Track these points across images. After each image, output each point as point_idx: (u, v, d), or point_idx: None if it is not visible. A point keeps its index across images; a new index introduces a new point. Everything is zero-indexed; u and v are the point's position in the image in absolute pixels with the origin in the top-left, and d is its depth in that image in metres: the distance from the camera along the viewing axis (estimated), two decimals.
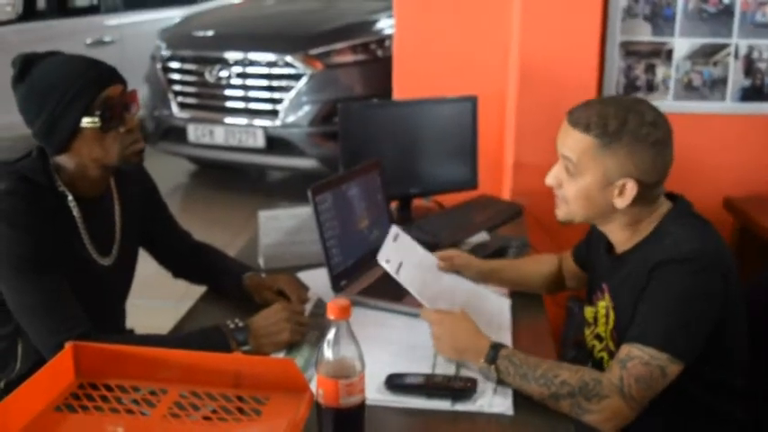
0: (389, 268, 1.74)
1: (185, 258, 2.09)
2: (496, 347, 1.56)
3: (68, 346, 1.33)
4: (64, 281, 1.63)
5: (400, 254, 1.77)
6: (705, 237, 1.60)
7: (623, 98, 1.65)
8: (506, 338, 1.76)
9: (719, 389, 1.64)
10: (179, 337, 1.69)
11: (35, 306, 1.61)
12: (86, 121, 1.64)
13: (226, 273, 2.04)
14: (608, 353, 1.71)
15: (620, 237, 1.68)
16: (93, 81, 1.64)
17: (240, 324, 1.70)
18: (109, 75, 1.68)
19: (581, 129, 1.59)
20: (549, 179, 1.69)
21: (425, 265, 1.78)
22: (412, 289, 1.75)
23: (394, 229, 1.76)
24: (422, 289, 1.75)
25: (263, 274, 2.02)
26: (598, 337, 1.75)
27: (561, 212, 1.70)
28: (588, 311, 1.80)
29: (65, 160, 1.70)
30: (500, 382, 1.55)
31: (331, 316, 1.25)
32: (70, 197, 1.71)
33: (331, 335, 1.25)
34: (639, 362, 1.47)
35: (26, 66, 1.66)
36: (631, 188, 1.58)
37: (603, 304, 1.72)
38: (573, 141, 1.61)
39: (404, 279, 1.75)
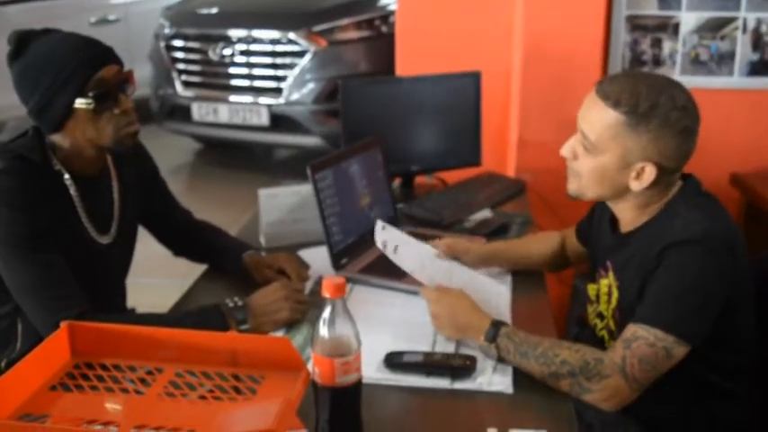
0: (387, 250, 1.73)
1: (186, 237, 2.09)
2: (497, 325, 1.55)
3: (64, 325, 1.33)
4: (61, 260, 1.63)
5: (394, 240, 1.75)
6: (715, 217, 1.56)
7: (657, 77, 1.57)
8: (506, 319, 1.75)
9: (727, 369, 1.62)
10: (177, 317, 1.68)
11: (32, 285, 1.60)
12: (80, 102, 1.62)
13: (226, 251, 2.03)
14: (608, 332, 1.69)
15: (629, 216, 1.65)
16: (87, 61, 1.62)
17: (239, 303, 1.69)
18: (104, 55, 1.66)
19: (610, 103, 1.52)
20: (565, 150, 1.64)
21: (421, 253, 1.76)
22: (409, 269, 1.73)
23: (380, 223, 1.74)
24: (420, 271, 1.73)
25: (263, 253, 2.01)
26: (600, 316, 1.73)
27: (572, 187, 1.65)
28: (591, 288, 1.78)
29: (60, 139, 1.69)
30: (500, 360, 1.54)
31: (326, 294, 1.24)
32: (66, 176, 1.70)
33: (326, 313, 1.24)
34: (644, 342, 1.45)
35: (22, 43, 1.64)
36: (650, 172, 1.54)
37: (606, 282, 1.70)
38: (597, 115, 1.55)
39: (401, 260, 1.74)
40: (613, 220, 1.72)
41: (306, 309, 1.77)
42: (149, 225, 2.03)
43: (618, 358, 1.46)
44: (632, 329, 1.48)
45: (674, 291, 1.49)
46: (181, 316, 1.69)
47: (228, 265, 2.01)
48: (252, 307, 1.69)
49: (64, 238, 1.67)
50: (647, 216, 1.62)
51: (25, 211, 1.59)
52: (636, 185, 1.56)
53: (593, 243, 1.83)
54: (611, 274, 1.68)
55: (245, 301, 1.70)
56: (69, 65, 1.61)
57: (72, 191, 1.70)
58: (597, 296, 1.74)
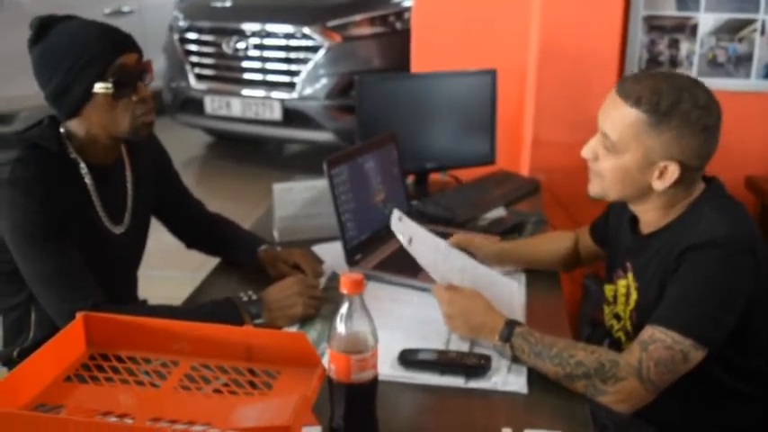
0: (403, 240, 1.72)
1: (199, 229, 2.08)
2: (511, 325, 1.54)
3: (80, 316, 1.33)
4: (76, 250, 1.63)
5: (409, 233, 1.74)
6: (738, 220, 1.55)
7: (678, 75, 1.57)
8: (519, 317, 1.74)
9: (744, 372, 1.61)
10: (191, 309, 1.68)
11: (48, 274, 1.61)
12: (99, 87, 1.62)
13: (240, 244, 2.03)
14: (625, 333, 1.68)
15: (651, 217, 1.63)
16: (109, 47, 1.63)
17: (253, 297, 1.69)
18: (125, 42, 1.67)
19: (631, 102, 1.52)
20: (586, 151, 1.62)
21: (434, 247, 1.75)
22: (424, 263, 1.72)
23: (396, 213, 1.73)
24: (433, 266, 1.72)
25: (278, 247, 2.01)
26: (616, 317, 1.72)
27: (594, 188, 1.64)
28: (608, 289, 1.77)
29: (75, 126, 1.69)
30: (514, 359, 1.53)
31: (344, 290, 1.23)
32: (82, 164, 1.70)
33: (344, 309, 1.24)
34: (662, 345, 1.44)
35: (42, 29, 1.65)
36: (673, 171, 1.52)
37: (624, 283, 1.69)
38: (618, 115, 1.54)
39: (415, 253, 1.72)
40: (633, 221, 1.70)
41: (319, 304, 1.77)
42: (162, 216, 2.03)
43: (634, 360, 1.45)
44: (650, 331, 1.47)
45: (693, 293, 1.48)
46: (195, 308, 1.69)
47: (243, 258, 2.00)
48: (266, 301, 1.69)
49: (79, 227, 1.67)
50: (669, 217, 1.61)
51: (41, 201, 1.59)
52: (659, 185, 1.55)
53: (610, 243, 1.82)
54: (630, 275, 1.67)
55: (259, 295, 1.70)
56: (91, 49, 1.61)
57: (87, 180, 1.70)
58: (615, 297, 1.73)
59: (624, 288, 1.69)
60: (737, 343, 1.53)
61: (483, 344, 1.60)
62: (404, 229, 1.70)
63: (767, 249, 1.56)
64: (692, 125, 1.50)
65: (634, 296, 1.65)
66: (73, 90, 1.62)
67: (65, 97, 1.64)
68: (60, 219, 1.61)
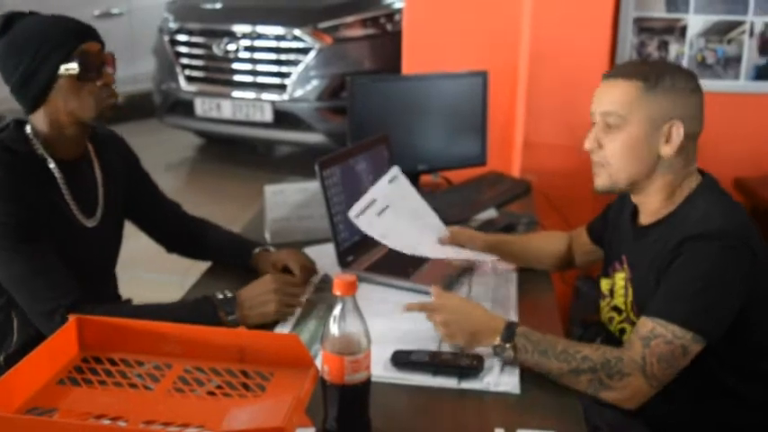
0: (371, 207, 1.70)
1: (177, 231, 2.07)
2: (511, 326, 1.54)
3: (72, 319, 1.32)
4: (51, 249, 1.64)
5: (390, 197, 1.72)
6: (734, 213, 1.57)
7: (655, 60, 1.73)
8: (511, 315, 1.75)
9: (743, 372, 1.61)
10: (170, 307, 1.68)
11: (23, 275, 1.62)
12: (64, 68, 1.65)
13: (231, 247, 2.04)
14: (629, 324, 1.68)
15: (652, 206, 1.65)
16: (72, 34, 1.67)
17: (229, 295, 1.70)
18: (87, 31, 1.71)
19: (622, 77, 1.60)
20: (588, 143, 1.65)
21: (415, 215, 1.73)
22: (384, 239, 1.70)
23: (394, 170, 1.71)
24: (395, 237, 1.70)
25: (272, 249, 2.01)
26: (616, 310, 1.73)
27: (601, 179, 1.65)
28: (604, 283, 1.78)
29: (40, 121, 1.70)
30: (512, 361, 1.53)
31: (337, 292, 1.23)
32: (50, 160, 1.71)
33: (337, 311, 1.24)
34: (663, 340, 1.45)
35: (7, 23, 1.68)
36: (677, 131, 1.57)
37: (622, 275, 1.71)
38: (614, 92, 1.60)
39: (378, 227, 1.71)
40: (634, 213, 1.72)
41: (297, 303, 1.77)
42: (137, 220, 2.02)
43: (637, 356, 1.45)
44: (650, 325, 1.47)
45: (691, 286, 1.48)
46: (173, 306, 1.70)
47: (236, 260, 2.01)
48: (240, 300, 1.70)
49: (51, 222, 1.68)
50: (668, 209, 1.63)
51: (13, 201, 1.61)
52: (667, 150, 1.58)
53: (609, 239, 1.84)
54: (625, 266, 1.69)
55: (235, 293, 1.71)
56: (55, 36, 1.65)
57: (56, 174, 1.72)
58: (611, 291, 1.74)
59: (622, 281, 1.70)
60: (736, 342, 1.53)
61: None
62: (388, 191, 1.68)
63: (762, 242, 1.57)
64: (682, 88, 1.58)
65: (630, 288, 1.66)
66: (38, 75, 1.65)
67: (31, 84, 1.66)
68: (32, 219, 1.63)
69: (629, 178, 1.63)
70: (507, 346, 1.53)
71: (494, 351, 1.54)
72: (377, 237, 1.71)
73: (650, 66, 1.64)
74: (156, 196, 2.05)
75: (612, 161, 1.61)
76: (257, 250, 1.99)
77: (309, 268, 1.94)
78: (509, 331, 1.53)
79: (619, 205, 1.81)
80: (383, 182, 1.71)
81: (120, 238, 1.96)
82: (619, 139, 1.60)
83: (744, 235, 1.52)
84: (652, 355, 1.45)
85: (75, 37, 1.66)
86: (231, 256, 2.03)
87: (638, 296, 1.64)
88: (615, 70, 1.64)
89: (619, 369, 1.45)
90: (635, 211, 1.72)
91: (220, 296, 1.69)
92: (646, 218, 1.68)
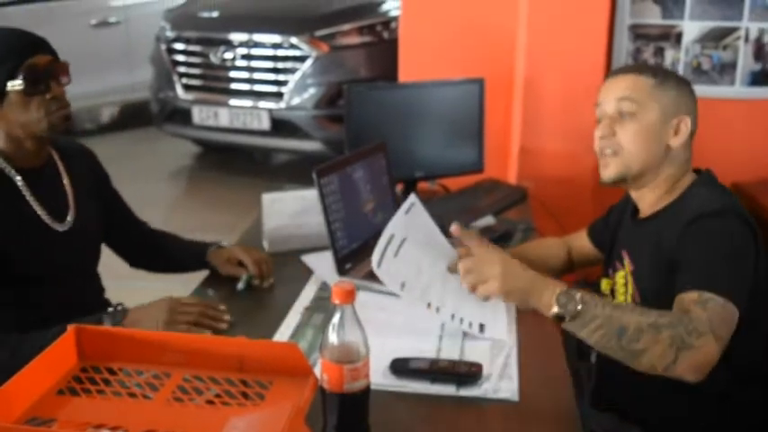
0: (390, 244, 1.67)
1: (143, 247, 2.10)
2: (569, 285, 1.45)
3: (71, 328, 1.32)
4: None
5: (407, 227, 1.70)
6: (732, 198, 1.62)
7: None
8: (510, 319, 1.76)
9: (737, 374, 1.61)
10: (56, 331, 1.54)
11: None
12: (10, 85, 1.67)
13: (187, 254, 2.07)
14: None
15: (652, 197, 1.69)
16: (17, 48, 1.69)
17: (119, 308, 1.70)
18: (35, 44, 1.73)
19: (634, 72, 1.67)
20: (601, 130, 1.68)
21: (429, 241, 1.71)
22: (395, 284, 1.65)
23: (411, 198, 1.70)
24: (411, 286, 1.68)
25: (225, 244, 2.05)
26: None
27: (610, 169, 1.67)
28: (605, 284, 1.79)
29: None
30: (576, 314, 1.39)
31: (336, 300, 1.24)
32: (8, 168, 1.74)
33: (336, 319, 1.24)
34: (716, 303, 1.39)
35: None
36: (686, 125, 1.64)
37: (622, 273, 1.72)
38: (629, 82, 1.66)
39: (397, 276, 1.67)
40: (634, 212, 1.75)
41: (209, 326, 1.71)
42: (105, 235, 2.02)
43: (704, 317, 1.37)
44: (694, 295, 1.41)
45: (719, 255, 1.47)
46: (59, 330, 1.46)
47: (194, 265, 2.05)
48: (127, 322, 1.65)
49: (22, 229, 1.71)
50: (664, 201, 1.66)
51: None
52: (675, 141, 1.64)
53: (610, 240, 1.85)
54: (626, 261, 1.70)
55: (126, 309, 1.69)
56: (1, 51, 1.67)
57: (18, 180, 1.74)
58: (612, 290, 1.75)
59: (623, 278, 1.71)
60: (733, 343, 1.53)
61: (474, 351, 1.60)
62: (405, 223, 1.67)
63: (761, 238, 1.58)
64: (684, 85, 1.68)
65: (631, 281, 1.67)
66: None
67: None
68: None
69: (642, 165, 1.66)
70: (577, 295, 1.39)
71: (557, 301, 1.41)
72: (396, 290, 1.68)
73: (654, 66, 1.74)
74: (125, 214, 2.08)
75: (627, 147, 1.65)
76: (212, 248, 2.02)
77: (264, 261, 1.97)
78: (567, 289, 1.42)
79: (622, 206, 1.85)
80: (400, 213, 1.69)
81: (98, 241, 1.98)
82: (633, 127, 1.64)
83: (744, 215, 1.55)
84: (714, 316, 1.37)
85: (20, 53, 1.68)
86: (191, 262, 2.07)
87: (640, 288, 1.65)
88: (623, 67, 1.73)
89: (695, 327, 1.35)
90: (635, 209, 1.75)
91: (110, 309, 1.68)
92: (645, 211, 1.71)
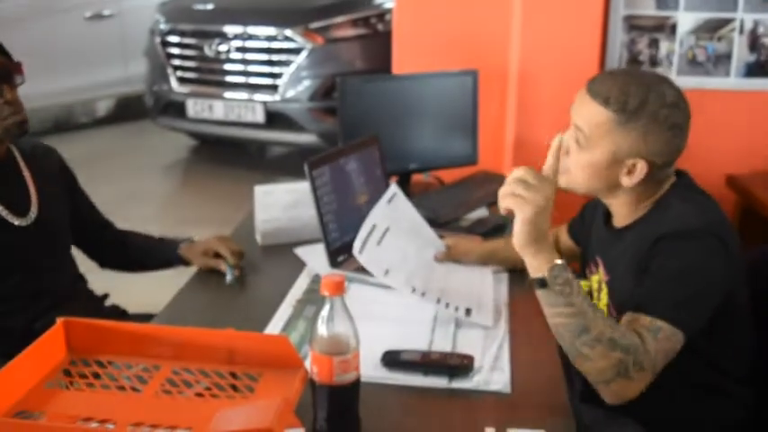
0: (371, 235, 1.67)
1: (112, 248, 2.12)
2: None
3: (60, 321, 1.32)
4: None
5: (390, 217, 1.71)
6: (707, 211, 1.56)
7: (646, 74, 1.59)
8: (502, 315, 1.75)
9: (725, 370, 1.61)
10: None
11: None
12: None
13: (157, 251, 2.08)
14: None
15: (623, 211, 1.64)
16: None
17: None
18: None
19: (600, 101, 1.52)
20: (555, 140, 1.57)
21: (413, 231, 1.72)
22: (385, 278, 1.68)
23: (392, 188, 1.70)
24: (396, 272, 1.68)
25: (196, 238, 2.07)
26: None
27: (562, 181, 1.61)
28: (583, 285, 1.77)
29: None
30: (564, 288, 1.39)
31: (325, 292, 1.23)
32: None
33: (325, 311, 1.24)
34: (664, 335, 1.40)
35: None
36: (641, 168, 1.53)
37: (597, 278, 1.70)
38: (588, 113, 1.54)
39: (380, 263, 1.68)
40: (607, 215, 1.71)
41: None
42: (74, 236, 2.03)
43: (651, 350, 1.39)
44: (647, 320, 1.42)
45: (671, 283, 1.46)
46: None
47: (164, 262, 2.06)
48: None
49: None
50: (640, 212, 1.61)
51: None
52: (627, 181, 1.55)
53: (585, 240, 1.83)
54: (600, 269, 1.68)
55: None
56: None
57: None
58: (590, 292, 1.74)
59: (597, 283, 1.69)
60: (717, 337, 1.53)
61: (466, 343, 1.60)
62: (387, 213, 1.67)
63: (737, 240, 1.56)
64: (659, 124, 1.50)
65: (605, 290, 1.65)
66: None
67: None
68: None
69: (587, 192, 1.62)
70: (569, 276, 1.40)
71: (551, 269, 1.41)
72: (379, 276, 1.69)
73: (635, 91, 1.51)
74: (93, 215, 2.09)
75: (574, 171, 1.59)
76: (183, 244, 2.03)
77: (239, 253, 1.98)
78: (562, 265, 1.42)
79: (594, 205, 1.79)
80: (382, 203, 1.69)
81: (67, 235, 1.98)
82: (582, 158, 1.56)
83: (718, 232, 1.51)
84: (659, 350, 1.40)
85: None
86: (162, 260, 2.08)
87: (615, 298, 1.63)
88: (598, 86, 1.55)
89: (641, 360, 1.37)
90: (608, 213, 1.70)
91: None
92: (619, 221, 1.66)
